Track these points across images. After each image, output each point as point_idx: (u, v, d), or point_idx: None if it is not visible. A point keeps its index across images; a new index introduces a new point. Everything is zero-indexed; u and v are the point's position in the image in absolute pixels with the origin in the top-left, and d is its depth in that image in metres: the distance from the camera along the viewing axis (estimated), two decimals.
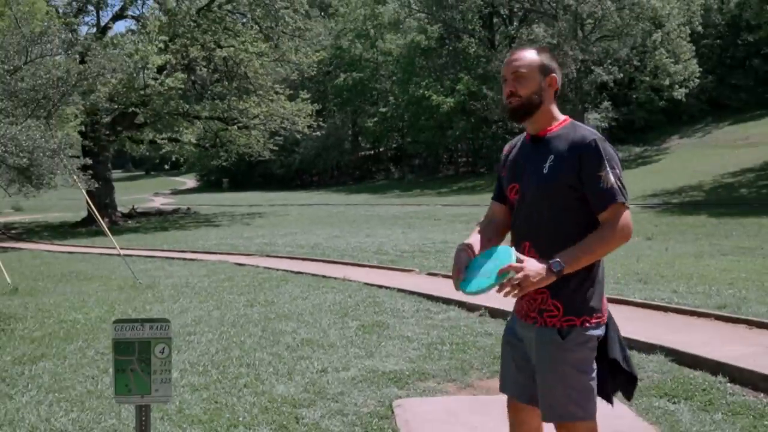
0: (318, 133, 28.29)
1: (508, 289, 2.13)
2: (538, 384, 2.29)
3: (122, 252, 11.28)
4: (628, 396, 2.42)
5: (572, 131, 2.28)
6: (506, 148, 2.54)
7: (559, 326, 2.24)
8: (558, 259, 2.15)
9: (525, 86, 2.30)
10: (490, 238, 2.40)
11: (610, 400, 2.40)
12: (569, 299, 2.24)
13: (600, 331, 2.27)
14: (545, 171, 2.24)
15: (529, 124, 2.36)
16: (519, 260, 2.18)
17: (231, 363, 5.06)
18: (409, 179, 42.71)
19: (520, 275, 2.12)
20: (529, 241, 2.28)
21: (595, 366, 2.28)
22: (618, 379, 2.36)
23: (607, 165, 2.19)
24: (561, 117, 2.36)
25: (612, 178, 2.18)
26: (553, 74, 2.35)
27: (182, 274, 10.36)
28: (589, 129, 2.28)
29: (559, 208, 2.23)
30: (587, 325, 2.24)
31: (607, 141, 2.25)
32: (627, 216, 2.22)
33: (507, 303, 2.56)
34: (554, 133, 2.31)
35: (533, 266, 2.14)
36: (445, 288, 7.59)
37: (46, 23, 14.25)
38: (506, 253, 2.21)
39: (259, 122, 24.61)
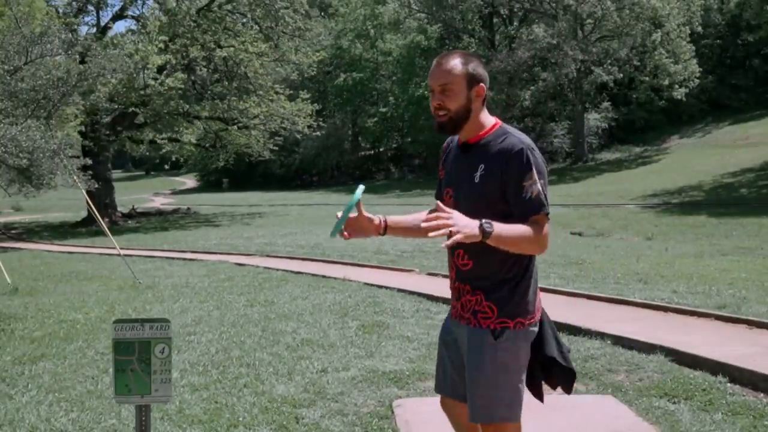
0: (318, 133, 28.34)
1: (434, 223, 1.99)
2: (467, 383, 2.30)
3: (122, 252, 11.28)
4: (568, 390, 2.41)
5: (502, 138, 2.22)
6: (445, 144, 2.51)
7: (492, 327, 2.23)
8: (489, 222, 2.06)
9: (453, 100, 2.24)
10: (413, 227, 2.42)
11: (540, 397, 2.42)
12: (503, 302, 2.23)
13: (533, 330, 2.28)
14: (476, 180, 2.22)
15: (459, 132, 2.32)
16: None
17: (231, 363, 5.06)
18: (408, 179, 42.72)
19: (447, 217, 2.00)
20: (462, 248, 2.25)
21: (524, 368, 2.29)
22: (555, 375, 2.36)
23: (534, 175, 2.15)
24: (490, 122, 2.30)
25: (537, 188, 2.14)
26: (481, 83, 2.28)
27: (182, 274, 10.36)
28: (519, 136, 2.22)
29: (491, 215, 2.11)
30: (520, 327, 2.25)
31: (537, 150, 2.20)
32: (547, 227, 2.18)
33: None
34: (484, 140, 2.27)
35: (463, 217, 2.05)
36: (445, 288, 7.58)
37: (46, 23, 14.23)
38: (355, 195, 2.22)
39: (259, 122, 24.62)
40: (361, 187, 2.28)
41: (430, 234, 2.02)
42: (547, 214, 2.17)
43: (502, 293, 2.23)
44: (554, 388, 2.41)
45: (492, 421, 2.26)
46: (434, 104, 2.26)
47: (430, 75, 2.29)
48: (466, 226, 2.01)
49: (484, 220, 2.05)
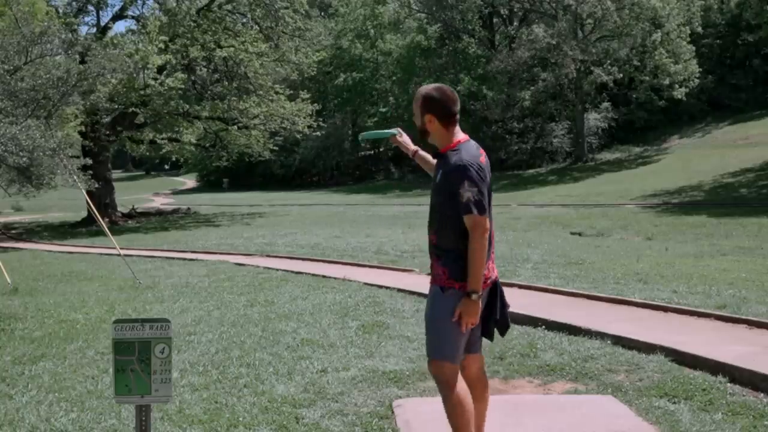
0: (318, 133, 28.27)
1: (467, 326, 2.96)
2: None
3: (122, 252, 11.28)
4: (502, 334, 3.23)
5: (455, 155, 2.98)
6: None
7: (441, 285, 3.00)
8: (468, 290, 2.91)
9: (417, 119, 3.11)
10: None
11: (490, 337, 3.21)
12: (451, 269, 2.97)
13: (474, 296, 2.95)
14: (437, 181, 3.05)
15: (429, 143, 3.14)
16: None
17: (231, 363, 5.06)
18: (408, 179, 42.70)
19: (469, 320, 2.94)
20: (430, 226, 3.11)
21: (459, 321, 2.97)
22: (498, 324, 3.17)
23: (465, 185, 2.89)
24: (455, 140, 3.05)
25: (467, 195, 2.89)
26: (430, 114, 3.04)
27: (182, 274, 10.35)
28: (465, 156, 2.96)
29: (442, 206, 3.00)
30: (462, 289, 2.94)
31: (471, 168, 2.92)
32: (478, 221, 2.91)
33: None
34: (445, 153, 3.04)
35: (467, 308, 2.92)
36: None
37: (46, 23, 14.23)
38: (388, 132, 3.43)
39: (259, 122, 24.59)
40: (394, 131, 3.44)
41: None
42: (474, 214, 2.89)
43: (450, 261, 2.98)
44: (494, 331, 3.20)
45: (435, 357, 3.01)
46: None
47: None
48: (472, 310, 2.93)
49: (470, 292, 2.91)
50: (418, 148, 3.44)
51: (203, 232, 20.15)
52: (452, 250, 2.97)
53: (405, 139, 3.46)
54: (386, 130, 3.42)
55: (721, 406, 3.87)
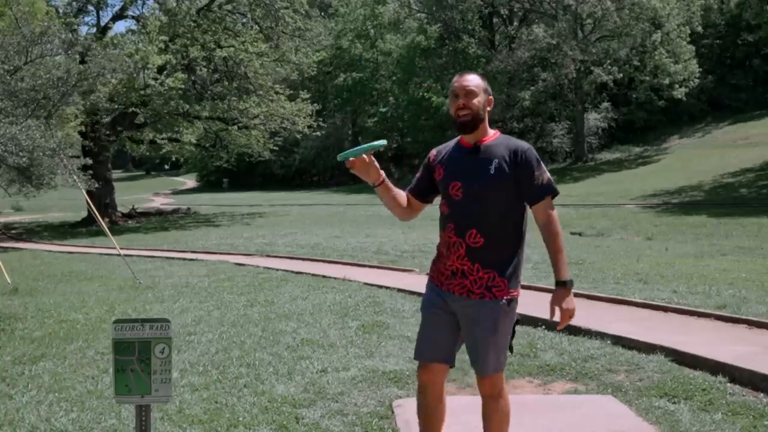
0: (318, 133, 28.29)
1: (565, 323, 2.83)
2: (476, 346, 2.80)
3: (122, 252, 11.28)
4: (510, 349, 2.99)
5: (508, 141, 2.83)
6: (433, 153, 2.98)
7: (508, 297, 2.77)
8: (564, 279, 2.77)
9: (475, 102, 2.78)
10: (396, 196, 2.95)
11: (511, 350, 2.99)
12: (511, 278, 2.79)
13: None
14: (492, 172, 2.74)
15: (470, 134, 2.82)
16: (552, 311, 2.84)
17: (231, 363, 5.06)
18: (409, 179, 42.69)
19: (568, 313, 2.78)
20: (475, 228, 2.76)
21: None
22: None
23: (541, 165, 2.77)
24: (492, 130, 2.88)
25: (545, 175, 2.78)
26: (490, 96, 2.87)
27: (182, 274, 10.35)
28: (521, 141, 2.85)
29: (501, 199, 2.75)
30: (517, 296, 2.84)
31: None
32: (552, 204, 2.83)
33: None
34: (491, 142, 2.82)
35: (564, 301, 2.77)
36: None
37: (46, 23, 14.22)
38: (378, 142, 2.82)
39: (259, 122, 24.60)
40: (383, 141, 2.86)
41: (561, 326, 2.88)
42: (556, 194, 2.82)
43: (510, 271, 2.77)
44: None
45: (499, 370, 2.82)
46: (459, 104, 2.78)
47: (456, 84, 2.81)
48: (571, 301, 2.80)
49: (564, 282, 2.79)
50: (385, 177, 2.89)
51: (203, 232, 20.16)
52: (508, 252, 2.77)
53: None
54: (372, 143, 2.80)
55: (721, 406, 3.86)
